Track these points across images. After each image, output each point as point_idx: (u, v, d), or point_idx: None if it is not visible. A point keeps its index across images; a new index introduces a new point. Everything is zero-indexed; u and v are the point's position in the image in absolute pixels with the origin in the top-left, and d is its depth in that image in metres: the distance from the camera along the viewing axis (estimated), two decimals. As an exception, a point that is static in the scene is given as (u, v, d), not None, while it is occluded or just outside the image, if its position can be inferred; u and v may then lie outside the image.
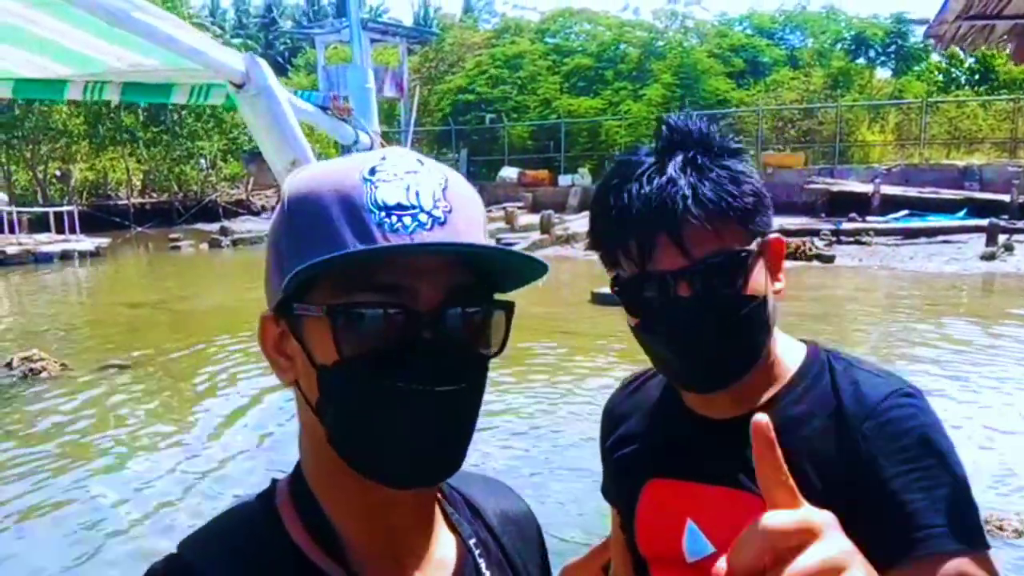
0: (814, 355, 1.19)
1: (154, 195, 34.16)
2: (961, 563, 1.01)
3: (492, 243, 0.73)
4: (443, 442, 0.72)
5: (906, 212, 20.33)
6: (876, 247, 17.98)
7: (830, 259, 16.73)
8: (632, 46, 34.40)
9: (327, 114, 2.26)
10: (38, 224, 24.47)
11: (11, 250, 20.99)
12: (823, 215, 21.17)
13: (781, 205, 20.62)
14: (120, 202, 32.32)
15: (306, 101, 2.11)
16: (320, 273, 0.67)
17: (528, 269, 0.73)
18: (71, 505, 5.48)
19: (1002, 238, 16.50)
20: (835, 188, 22.25)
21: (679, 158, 1.09)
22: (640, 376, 1.38)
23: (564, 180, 28.22)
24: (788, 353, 1.20)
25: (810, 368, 1.17)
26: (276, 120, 1.85)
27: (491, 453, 6.17)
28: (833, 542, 0.63)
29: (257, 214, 32.68)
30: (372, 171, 0.71)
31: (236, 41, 45.73)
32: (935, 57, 30.70)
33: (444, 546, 0.83)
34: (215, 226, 27.95)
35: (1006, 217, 18.32)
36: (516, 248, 0.74)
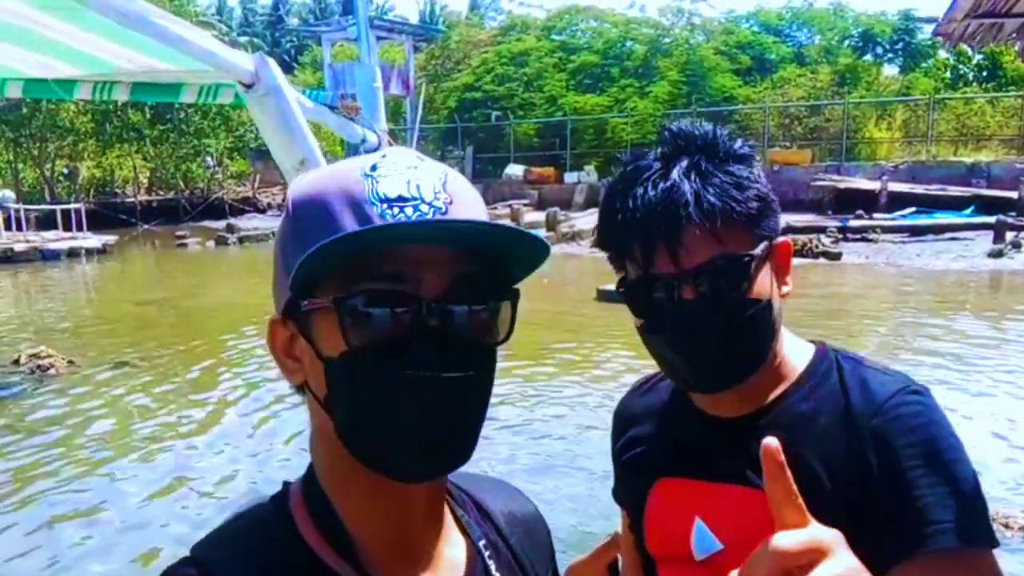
0: (822, 354, 1.20)
1: (161, 193, 34.29)
2: (968, 560, 1.02)
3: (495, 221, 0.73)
4: (452, 430, 0.72)
5: (913, 209, 20.26)
6: (883, 244, 17.94)
7: (837, 256, 16.70)
8: (638, 43, 34.29)
9: (335, 113, 2.26)
10: (45, 222, 24.58)
11: (19, 247, 21.08)
12: (830, 212, 21.12)
13: (788, 202, 20.56)
14: (127, 200, 32.44)
15: (314, 100, 2.11)
16: (326, 264, 0.68)
17: (531, 252, 0.73)
18: (77, 503, 5.50)
19: (1010, 235, 16.45)
20: (842, 185, 22.19)
21: (683, 163, 1.10)
22: (651, 378, 1.39)
23: (570, 177, 28.20)
24: (795, 352, 1.20)
25: (818, 367, 1.18)
26: (285, 120, 1.86)
27: (495, 450, 6.17)
28: (841, 560, 0.67)
29: (263, 212, 32.75)
30: (373, 168, 0.72)
31: (242, 39, 45.84)
32: (943, 54, 30.55)
33: (454, 548, 0.83)
34: (221, 223, 28.04)
35: (1014, 214, 18.24)
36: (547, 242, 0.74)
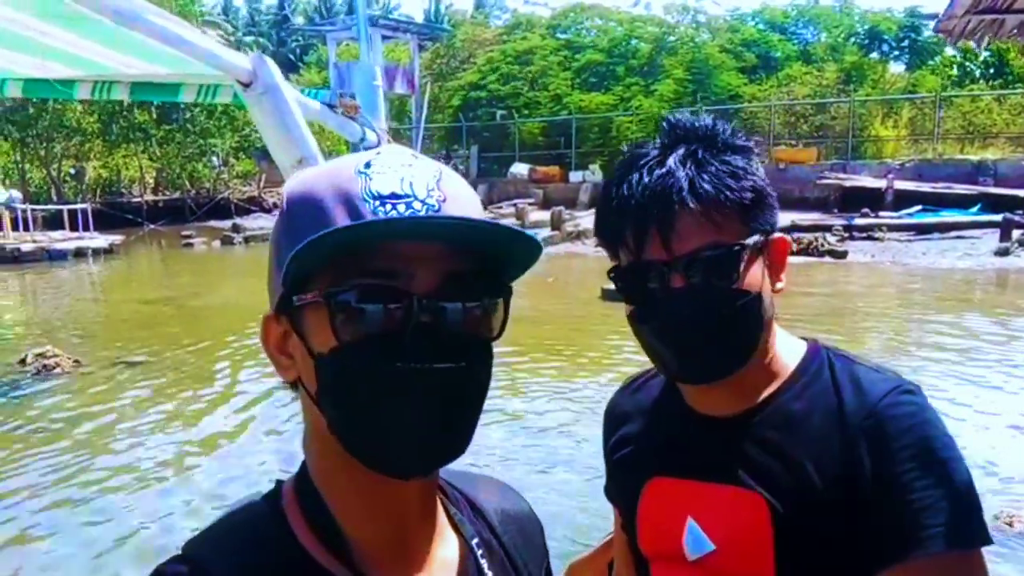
0: (814, 352, 1.20)
1: (167, 193, 34.36)
2: (959, 562, 1.02)
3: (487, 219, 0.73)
4: (445, 423, 0.71)
5: (919, 207, 20.19)
6: (889, 243, 17.89)
7: (842, 255, 16.65)
8: (644, 41, 34.25)
9: (335, 112, 2.27)
10: (52, 222, 24.66)
11: (26, 247, 21.16)
12: (835, 210, 21.07)
13: (793, 200, 20.54)
14: (133, 199, 32.51)
15: (314, 99, 2.12)
16: (318, 259, 0.68)
17: (523, 251, 0.73)
18: (81, 501, 5.51)
19: (1016, 233, 16.38)
20: (848, 183, 22.12)
21: (680, 151, 1.11)
22: (641, 376, 1.39)
23: (575, 176, 28.18)
24: (787, 350, 1.20)
25: (809, 365, 1.17)
26: (283, 118, 1.86)
27: (495, 448, 6.18)
28: None
29: (269, 211, 32.77)
30: (367, 165, 0.72)
31: (248, 39, 45.92)
32: (949, 51, 30.45)
33: (447, 546, 0.83)
34: (227, 223, 28.08)
35: (1020, 212, 18.17)
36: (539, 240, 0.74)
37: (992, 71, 29.42)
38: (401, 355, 0.68)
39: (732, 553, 1.13)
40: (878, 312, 11.54)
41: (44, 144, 30.00)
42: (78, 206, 24.89)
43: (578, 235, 20.53)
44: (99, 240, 22.96)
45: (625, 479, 1.31)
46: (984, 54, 27.92)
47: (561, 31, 36.95)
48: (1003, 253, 15.70)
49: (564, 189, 27.39)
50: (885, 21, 34.22)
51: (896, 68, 33.97)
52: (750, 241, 1.10)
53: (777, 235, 1.16)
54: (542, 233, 20.64)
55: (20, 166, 30.80)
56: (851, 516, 1.04)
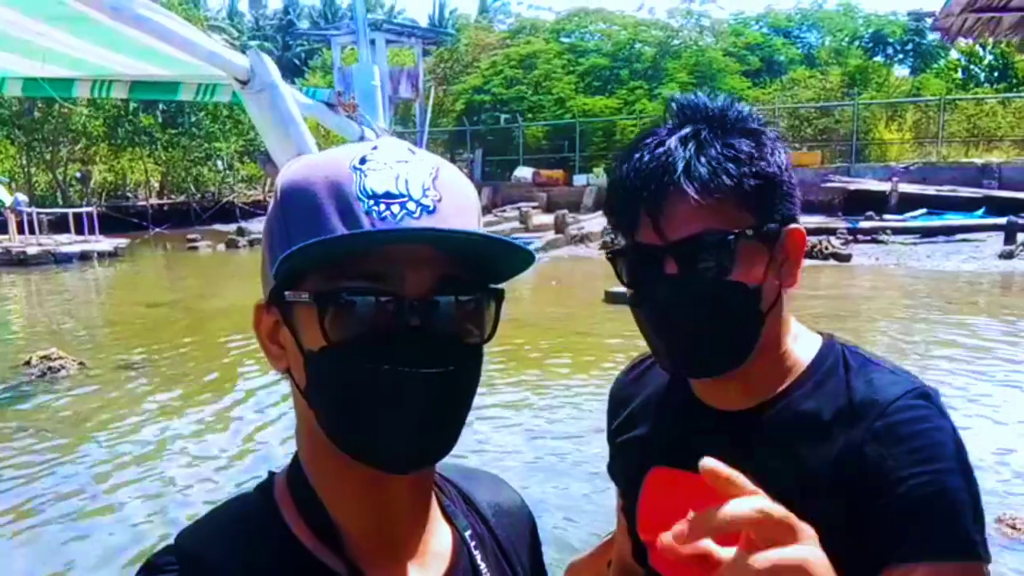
0: (829, 348, 1.15)
1: (172, 196, 34.49)
2: (954, 573, 0.99)
3: (480, 230, 0.73)
4: (431, 425, 0.72)
5: (924, 211, 20.15)
6: (893, 246, 17.85)
7: (847, 258, 16.62)
8: (647, 45, 34.27)
9: (334, 111, 2.28)
10: (58, 225, 24.74)
11: (32, 251, 21.25)
12: (840, 214, 21.00)
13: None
14: (139, 203, 32.67)
15: (312, 98, 2.13)
16: (310, 262, 0.68)
17: (516, 258, 0.72)
18: (86, 502, 5.53)
19: (1021, 236, 16.32)
20: (852, 187, 22.07)
21: (685, 131, 1.06)
22: (647, 357, 1.33)
23: (579, 180, 28.16)
24: (802, 345, 1.15)
25: (823, 362, 1.13)
26: (281, 116, 1.87)
27: (497, 448, 6.17)
28: (813, 551, 0.67)
29: (274, 215, 32.79)
30: (362, 160, 0.71)
31: (253, 43, 45.89)
32: (954, 54, 30.43)
33: (440, 537, 0.84)
34: (232, 226, 28.15)
35: (1025, 215, 18.16)
36: (530, 248, 0.74)
37: (996, 74, 29.38)
38: (390, 358, 0.68)
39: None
40: (883, 315, 11.51)
41: (50, 148, 30.15)
42: (84, 209, 24.99)
43: (582, 238, 20.53)
44: (104, 243, 23.05)
45: (627, 463, 1.28)
46: (988, 57, 27.88)
47: (565, 35, 36.98)
48: (1008, 256, 15.65)
49: (568, 193, 27.37)
50: (889, 24, 34.21)
51: (900, 71, 34.02)
52: (749, 231, 1.03)
53: (791, 226, 1.09)
54: (546, 236, 20.68)
55: (26, 169, 30.94)
56: (853, 517, 1.01)
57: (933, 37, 31.64)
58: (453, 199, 0.72)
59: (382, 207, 0.68)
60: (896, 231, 18.66)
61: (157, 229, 29.57)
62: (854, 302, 12.45)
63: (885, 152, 25.99)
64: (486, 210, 25.63)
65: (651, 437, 1.25)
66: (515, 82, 34.10)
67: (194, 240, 25.36)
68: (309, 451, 0.79)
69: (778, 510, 0.67)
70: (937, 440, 1.02)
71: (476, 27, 43.46)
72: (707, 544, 0.70)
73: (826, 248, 16.94)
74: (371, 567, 0.76)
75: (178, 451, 6.48)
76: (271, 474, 0.83)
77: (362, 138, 2.44)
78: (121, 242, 23.59)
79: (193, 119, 31.32)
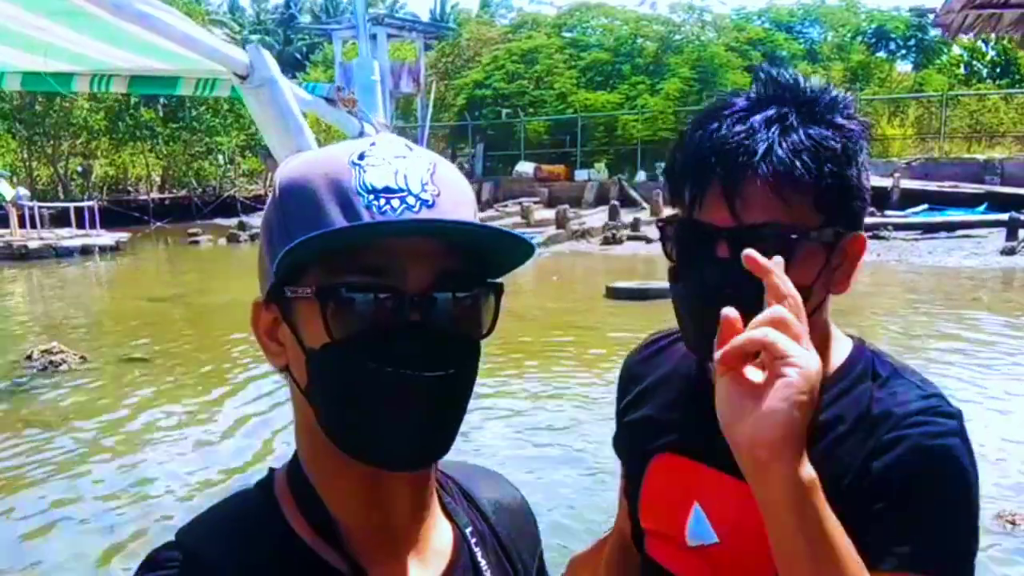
0: (859, 354, 1.12)
1: (173, 190, 34.51)
2: None
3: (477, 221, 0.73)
4: (431, 426, 0.72)
5: (926, 206, 20.11)
6: (895, 242, 17.81)
7: (848, 254, 16.59)
8: (649, 40, 34.19)
9: (332, 106, 2.27)
10: (59, 219, 24.75)
11: (33, 245, 21.26)
12: (841, 209, 20.97)
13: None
14: (140, 197, 32.70)
15: (311, 92, 2.13)
16: (312, 254, 0.68)
17: (515, 251, 0.73)
18: (87, 497, 5.54)
19: (1022, 232, 16.31)
20: (854, 182, 22.03)
21: (771, 111, 1.00)
22: (664, 336, 1.30)
23: (580, 175, 28.15)
24: (833, 348, 1.11)
25: (852, 368, 1.10)
26: (280, 111, 1.87)
27: (501, 446, 6.19)
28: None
29: (275, 209, 32.77)
30: (361, 156, 0.72)
31: (254, 37, 45.91)
32: (956, 50, 30.36)
33: (441, 534, 0.84)
34: (233, 221, 28.14)
35: (1027, 211, 18.11)
36: (533, 242, 0.74)
37: (999, 70, 29.32)
38: (392, 358, 0.68)
39: (735, 549, 1.09)
40: (884, 311, 11.51)
41: (51, 142, 30.17)
42: (85, 204, 24.99)
43: (583, 234, 20.50)
44: (106, 237, 23.06)
45: (634, 445, 1.25)
46: (991, 53, 27.82)
47: (567, 30, 36.91)
48: (1009, 252, 15.63)
49: (569, 188, 27.36)
50: (892, 20, 34.10)
51: (903, 67, 33.92)
52: (814, 232, 0.98)
53: (855, 233, 1.04)
54: (547, 232, 20.66)
55: (28, 163, 30.94)
56: (864, 527, 0.99)
57: (935, 33, 31.59)
58: (451, 194, 0.72)
59: (382, 201, 0.69)
60: (898, 227, 18.62)
61: (158, 223, 29.55)
62: (855, 298, 12.43)
63: (887, 148, 25.92)
64: (487, 205, 25.63)
65: (661, 419, 1.21)
66: (516, 77, 34.04)
67: (195, 234, 25.38)
68: (308, 448, 0.79)
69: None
70: (945, 457, 1.00)
71: (478, 21, 43.39)
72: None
73: (828, 244, 16.91)
74: (372, 564, 0.76)
75: (179, 445, 6.50)
76: (271, 471, 0.84)
77: (362, 133, 2.44)
78: (122, 236, 23.58)
79: (194, 113, 31.31)
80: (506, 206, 25.68)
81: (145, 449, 6.43)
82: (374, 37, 29.20)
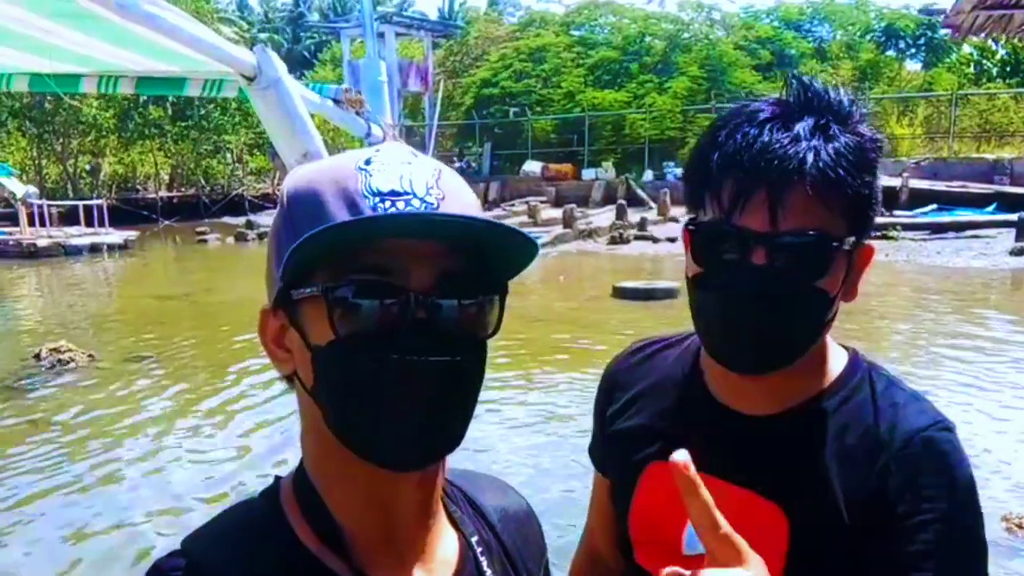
0: (855, 364, 1.13)
1: (182, 189, 34.65)
2: None
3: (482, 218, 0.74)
4: (439, 416, 0.72)
5: (934, 206, 20.04)
6: (903, 242, 17.74)
7: (856, 254, 16.53)
8: (657, 39, 34.18)
9: (340, 107, 2.28)
10: (68, 217, 24.90)
11: (42, 243, 21.36)
12: (850, 209, 20.91)
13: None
14: (148, 196, 32.83)
15: (318, 94, 2.13)
16: (319, 249, 0.68)
17: (520, 252, 0.73)
18: (93, 496, 5.56)
19: (1032, 233, 16.23)
20: (862, 182, 21.96)
21: (810, 121, 1.00)
22: (653, 343, 1.29)
23: (588, 174, 28.16)
24: (830, 356, 1.13)
25: (851, 377, 1.11)
26: (287, 112, 1.87)
27: (504, 446, 6.18)
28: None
29: (283, 208, 32.86)
30: (367, 161, 0.73)
31: (263, 36, 46.06)
32: (966, 49, 30.23)
33: (446, 543, 0.84)
34: (241, 219, 28.22)
35: (1037, 211, 18.01)
36: (539, 242, 0.74)
37: (1009, 69, 29.17)
38: (397, 349, 0.69)
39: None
40: (892, 311, 11.46)
41: (60, 140, 30.31)
42: (94, 202, 25.10)
43: (590, 233, 20.48)
44: (114, 236, 23.17)
45: (625, 454, 1.23)
46: (1001, 52, 27.69)
47: (575, 28, 36.93)
48: (1019, 253, 15.54)
49: (577, 187, 27.36)
50: (902, 19, 33.99)
51: (912, 66, 33.82)
52: (847, 242, 1.00)
53: (868, 242, 1.06)
54: (554, 231, 20.65)
55: (37, 162, 31.10)
56: (866, 541, 1.00)
57: (945, 32, 31.46)
58: (456, 198, 0.73)
59: (387, 203, 0.70)
60: (906, 227, 18.55)
61: (166, 222, 29.70)
62: (863, 298, 12.13)
63: (896, 147, 25.83)
64: (494, 204, 25.65)
65: (654, 427, 1.20)
66: (524, 75, 34.08)
67: (203, 233, 25.46)
68: (314, 455, 0.79)
69: (733, 535, 0.70)
70: (957, 479, 1.01)
71: (486, 20, 43.41)
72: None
73: (836, 244, 16.86)
74: (377, 572, 0.76)
75: (186, 445, 6.51)
76: (277, 479, 0.84)
77: (369, 134, 2.44)
78: (131, 234, 23.69)
79: (203, 112, 31.41)
80: (513, 205, 25.70)
81: (153, 449, 6.45)
82: (382, 35, 29.26)
